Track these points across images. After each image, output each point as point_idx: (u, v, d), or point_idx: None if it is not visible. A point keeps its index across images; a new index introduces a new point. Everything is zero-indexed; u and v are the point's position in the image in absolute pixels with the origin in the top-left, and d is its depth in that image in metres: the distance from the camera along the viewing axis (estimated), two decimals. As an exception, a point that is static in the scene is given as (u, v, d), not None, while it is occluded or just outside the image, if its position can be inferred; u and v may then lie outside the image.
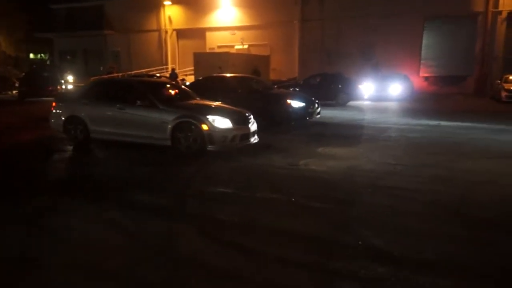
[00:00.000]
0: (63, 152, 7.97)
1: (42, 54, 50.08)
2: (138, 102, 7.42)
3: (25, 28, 38.36)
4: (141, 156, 7.29)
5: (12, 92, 21.55)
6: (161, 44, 32.22)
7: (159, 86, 8.90)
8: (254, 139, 7.79)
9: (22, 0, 36.31)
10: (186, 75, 27.16)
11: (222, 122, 7.15)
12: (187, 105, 7.73)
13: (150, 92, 7.67)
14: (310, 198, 4.74)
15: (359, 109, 16.06)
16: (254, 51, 28.04)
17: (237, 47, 28.91)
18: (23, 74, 21.99)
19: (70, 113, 8.24)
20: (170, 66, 29.35)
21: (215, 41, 30.14)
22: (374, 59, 24.16)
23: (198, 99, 8.52)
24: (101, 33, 33.43)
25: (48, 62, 44.87)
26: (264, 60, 25.77)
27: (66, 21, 34.46)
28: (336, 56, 26.06)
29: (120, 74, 26.33)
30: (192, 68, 23.82)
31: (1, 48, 43.36)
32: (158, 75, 22.83)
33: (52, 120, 8.53)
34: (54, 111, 8.51)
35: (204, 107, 7.75)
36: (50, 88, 16.98)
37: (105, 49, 34.31)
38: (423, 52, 24.89)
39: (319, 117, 11.68)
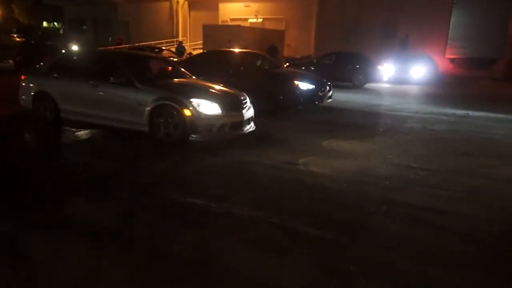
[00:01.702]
0: (23, 134, 6.89)
1: (55, 23, 49.10)
2: (112, 79, 6.24)
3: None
4: (110, 146, 6.17)
5: (12, 61, 20.60)
6: (172, 15, 30.83)
7: (141, 60, 7.64)
8: (249, 128, 6.57)
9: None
10: (194, 49, 25.81)
11: (208, 107, 5.94)
12: (169, 85, 6.51)
13: (128, 67, 6.46)
14: (303, 219, 3.56)
15: (376, 92, 14.59)
16: (268, 25, 26.44)
17: (250, 20, 27.34)
18: (21, 42, 20.94)
19: (39, 88, 7.14)
20: (180, 39, 27.98)
21: (229, 14, 28.60)
22: (404, 35, 22.25)
23: (188, 77, 7.31)
24: (111, 1, 32.11)
25: (61, 31, 43.82)
26: (279, 35, 24.20)
27: (76, -12, 33.25)
28: (355, 34, 24.31)
29: (127, 46, 25.13)
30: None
31: (14, 15, 42.52)
32: (162, 48, 21.47)
33: (22, 96, 7.45)
34: (23, 84, 7.41)
35: (189, 88, 6.52)
36: (49, 58, 15.92)
37: (115, 19, 33.05)
38: (450, 31, 22.91)
39: (331, 102, 10.35)
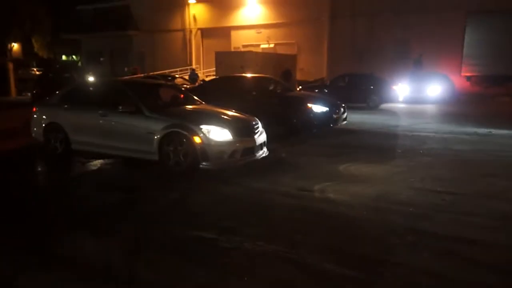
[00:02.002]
0: (31, 167, 6.78)
1: (74, 56, 50.62)
2: (120, 107, 6.13)
3: (55, 30, 38.56)
4: (119, 177, 6.00)
5: (29, 94, 21.10)
6: (186, 43, 31.42)
7: (150, 88, 7.56)
8: (262, 153, 6.34)
9: (50, 3, 36.45)
10: (207, 76, 26.04)
11: (219, 133, 5.75)
12: (179, 112, 6.37)
13: (136, 95, 6.35)
14: (321, 253, 3.26)
15: (392, 113, 14.26)
16: (280, 50, 26.58)
17: (262, 46, 27.57)
18: (38, 75, 21.47)
19: (50, 119, 7.10)
20: (194, 67, 28.33)
21: (240, 40, 28.96)
22: (417, 55, 21.98)
23: (199, 103, 7.18)
24: (126, 34, 33.01)
25: (79, 64, 45.06)
26: (291, 59, 24.22)
27: (92, 22, 34.36)
28: (368, 55, 24.21)
29: (142, 75, 25.53)
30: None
31: (34, 50, 44.04)
32: (175, 76, 21.67)
33: (33, 128, 7.42)
34: (34, 116, 7.39)
35: (198, 114, 6.36)
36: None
37: (131, 49, 33.86)
38: (465, 49, 22.61)
39: (346, 124, 10.07)
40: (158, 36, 32.11)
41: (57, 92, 7.57)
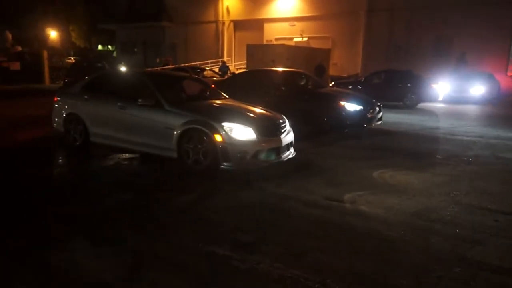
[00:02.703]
0: (47, 160, 6.54)
1: (109, 46, 51.56)
2: (140, 100, 5.78)
3: (91, 20, 39.29)
4: (135, 174, 5.63)
5: (62, 82, 21.45)
6: (218, 36, 31.16)
7: (172, 80, 7.17)
8: (288, 154, 5.84)
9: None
10: (238, 69, 25.64)
11: (242, 132, 5.30)
12: (201, 107, 5.93)
13: (157, 87, 5.99)
14: (349, 282, 2.75)
15: (431, 113, 13.36)
16: (314, 44, 25.82)
17: (296, 39, 26.88)
18: (71, 64, 21.73)
19: (70, 109, 6.87)
20: (225, 59, 28.02)
21: (273, 33, 28.37)
22: (461, 53, 20.66)
23: (223, 98, 6.75)
24: (159, 25, 33.13)
25: (114, 54, 45.82)
26: (325, 54, 23.45)
27: (127, 13, 34.61)
28: (406, 51, 23.07)
29: (173, 66, 25.46)
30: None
31: (71, 39, 45.12)
32: (205, 68, 21.37)
33: (54, 118, 7.22)
34: (55, 106, 7.18)
35: (221, 110, 5.92)
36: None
37: (163, 41, 33.96)
38: (512, 47, 21.13)
39: (381, 124, 9.39)
40: (191, 27, 32.01)
41: (78, 81, 7.33)
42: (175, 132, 5.50)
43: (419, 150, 7.38)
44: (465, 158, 6.64)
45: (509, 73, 21.20)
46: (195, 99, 6.59)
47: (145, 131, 5.85)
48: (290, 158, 5.84)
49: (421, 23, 22.54)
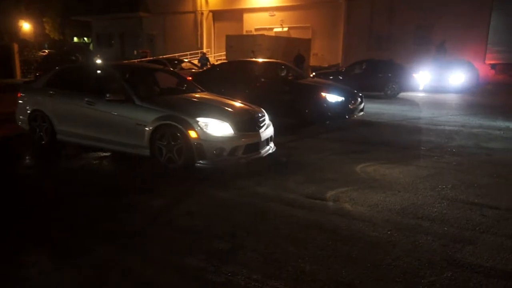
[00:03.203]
0: (12, 161, 6.11)
1: (85, 38, 50.12)
2: (108, 95, 5.39)
3: (66, 11, 37.95)
4: (103, 176, 5.25)
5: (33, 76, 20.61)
6: (197, 26, 30.52)
7: (143, 73, 6.80)
8: (268, 150, 5.57)
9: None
10: (218, 60, 25.18)
11: (218, 128, 4.99)
12: (174, 102, 5.58)
13: (126, 81, 5.62)
14: (332, 293, 2.51)
15: (413, 103, 13.28)
16: (294, 34, 25.57)
17: (276, 29, 26.55)
18: (42, 57, 20.87)
19: (34, 106, 6.43)
20: (204, 50, 27.47)
21: (253, 24, 27.96)
22: (441, 41, 20.65)
23: (199, 91, 6.42)
24: (136, 15, 32.23)
25: (90, 46, 44.56)
26: (305, 44, 23.22)
27: (103, 3, 33.52)
28: (386, 41, 23.01)
29: (151, 58, 24.79)
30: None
31: (45, 31, 43.58)
32: (184, 60, 20.83)
33: (19, 115, 6.77)
34: (19, 102, 6.73)
35: (196, 105, 5.59)
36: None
37: (141, 32, 33.09)
38: (490, 35, 21.29)
39: (363, 115, 9.20)
40: (169, 18, 31.27)
41: (42, 75, 6.87)
42: (147, 129, 5.16)
43: (402, 142, 7.21)
44: (449, 149, 6.49)
45: (486, 61, 21.37)
46: (168, 93, 6.24)
47: (115, 128, 5.49)
48: (270, 153, 5.58)
49: (402, 11, 22.48)
